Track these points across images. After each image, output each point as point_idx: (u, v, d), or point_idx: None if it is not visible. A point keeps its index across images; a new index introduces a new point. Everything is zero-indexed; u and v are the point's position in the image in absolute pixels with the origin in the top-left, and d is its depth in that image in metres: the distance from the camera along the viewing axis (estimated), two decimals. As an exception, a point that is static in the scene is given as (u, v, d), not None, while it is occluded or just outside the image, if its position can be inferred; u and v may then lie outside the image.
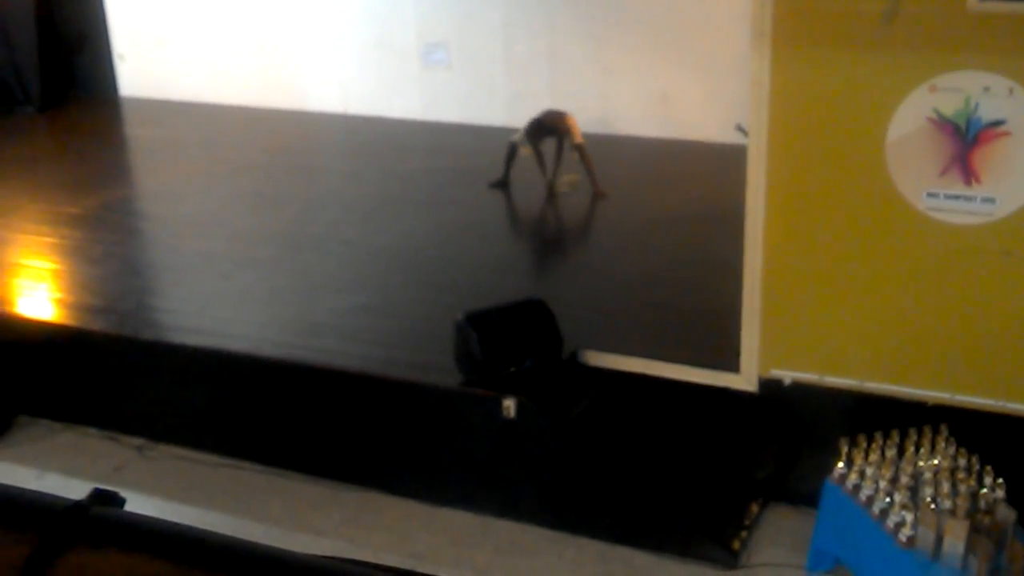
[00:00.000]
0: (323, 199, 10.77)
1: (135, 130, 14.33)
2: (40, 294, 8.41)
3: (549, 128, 10.22)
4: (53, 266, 9.05)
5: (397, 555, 6.23)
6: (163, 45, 14.65)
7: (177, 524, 1.17)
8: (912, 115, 5.61)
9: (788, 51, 5.78)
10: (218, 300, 8.21)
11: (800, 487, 6.32)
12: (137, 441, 7.48)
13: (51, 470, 7.15)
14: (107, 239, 9.58)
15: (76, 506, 1.16)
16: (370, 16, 13.40)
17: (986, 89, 5.45)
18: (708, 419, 6.64)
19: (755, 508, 6.45)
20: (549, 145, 10.23)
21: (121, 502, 1.20)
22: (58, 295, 8.43)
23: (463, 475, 6.71)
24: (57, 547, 1.11)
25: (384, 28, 13.30)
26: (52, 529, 1.12)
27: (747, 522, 6.35)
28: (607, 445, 6.47)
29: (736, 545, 6.17)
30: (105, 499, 1.19)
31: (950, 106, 5.54)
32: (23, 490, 1.22)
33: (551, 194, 10.21)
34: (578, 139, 10.07)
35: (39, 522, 1.14)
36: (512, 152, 10.31)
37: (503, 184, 10.47)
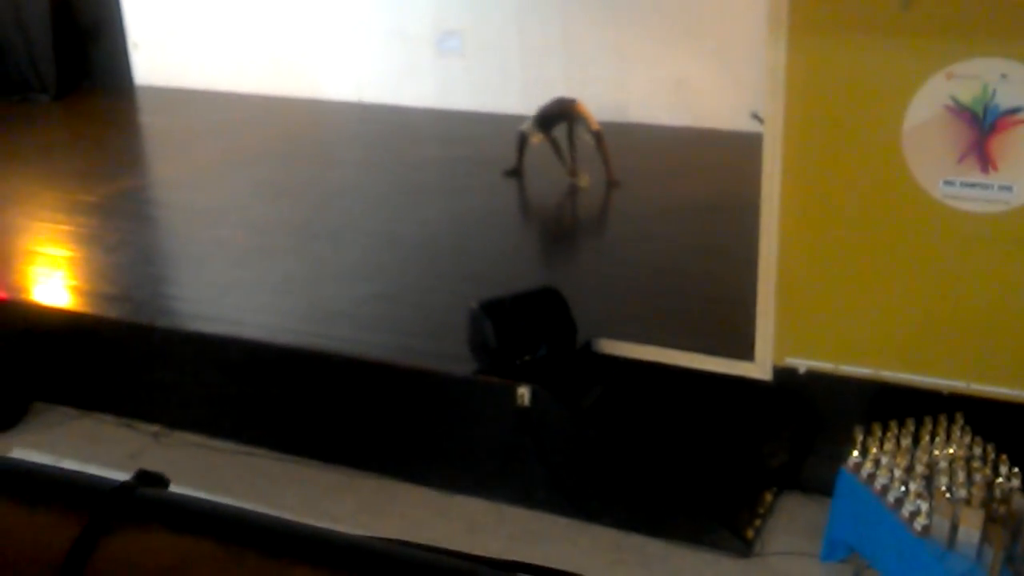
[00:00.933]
0: (337, 187, 10.78)
1: (150, 118, 14.37)
2: (56, 282, 8.44)
3: (559, 115, 10.21)
4: (69, 254, 9.08)
5: (413, 540, 6.24)
6: (177, 34, 14.67)
7: (224, 504, 1.17)
8: (929, 102, 5.58)
9: (804, 38, 5.76)
10: (233, 288, 8.23)
11: (814, 476, 6.31)
12: (153, 428, 7.51)
13: (67, 457, 7.18)
14: (122, 227, 9.61)
15: (122, 486, 1.17)
16: (384, 4, 13.40)
17: (1004, 76, 5.42)
18: (722, 407, 6.63)
19: (769, 497, 6.45)
20: (560, 132, 10.21)
21: (166, 483, 1.21)
22: (74, 283, 8.46)
23: (477, 463, 6.72)
24: (104, 527, 1.12)
25: (398, 16, 13.30)
26: (99, 509, 1.13)
27: (761, 510, 6.35)
28: (621, 433, 6.47)
29: (750, 533, 6.17)
30: (150, 479, 1.20)
31: (967, 93, 5.51)
32: (68, 471, 1.23)
33: (571, 182, 10.19)
34: (595, 126, 10.06)
35: (86, 502, 1.15)
36: (522, 141, 10.30)
37: (516, 173, 10.46)
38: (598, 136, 10.07)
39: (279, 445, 7.18)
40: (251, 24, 14.20)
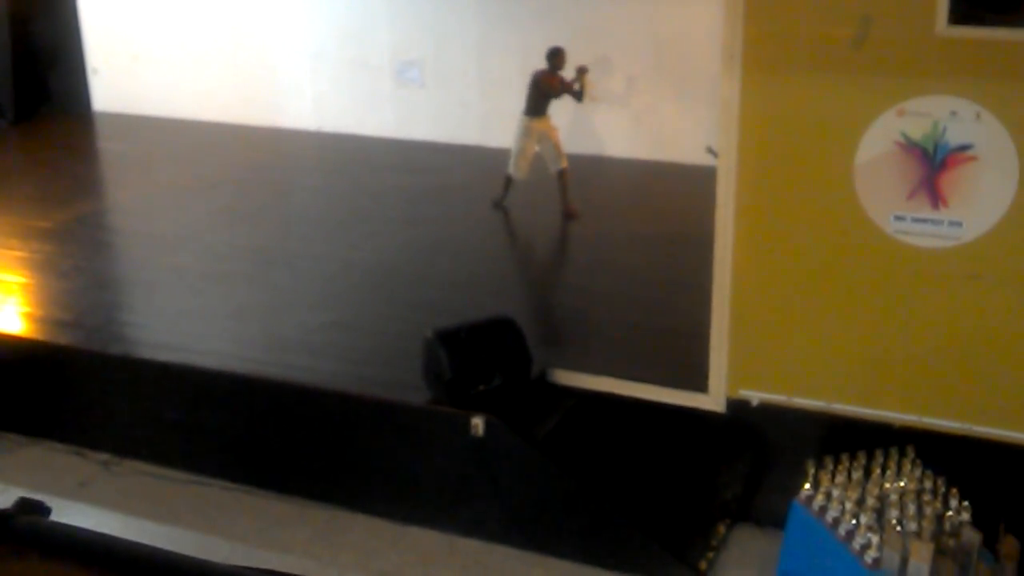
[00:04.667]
0: (295, 215, 10.76)
1: (108, 144, 14.28)
2: (8, 308, 8.35)
3: (547, 92, 10.32)
4: (22, 280, 8.99)
5: (364, 574, 6.20)
6: (137, 60, 14.62)
7: (102, 534, 1.16)
8: (880, 139, 5.65)
9: (758, 74, 5.82)
10: (188, 315, 8.17)
11: (767, 508, 6.33)
12: (103, 456, 7.42)
13: (15, 484, 7.07)
14: (77, 253, 9.53)
15: (1, 514, 1.15)
16: (345, 34, 13.42)
17: (953, 113, 5.50)
18: (676, 439, 6.64)
19: (722, 529, 6.46)
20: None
21: (47, 511, 1.20)
22: (26, 309, 8.37)
23: (431, 494, 6.69)
24: None
25: (359, 46, 13.32)
26: None
27: (714, 543, 6.36)
28: (575, 464, 6.46)
29: (703, 566, 6.17)
30: (30, 508, 1.19)
31: (918, 130, 5.58)
32: None
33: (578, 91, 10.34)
34: (563, 163, 10.20)
35: None
36: (508, 182, 10.38)
37: (501, 205, 10.49)
38: (563, 173, 10.18)
39: (231, 475, 7.12)
40: (212, 52, 14.17)
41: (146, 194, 11.47)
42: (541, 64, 10.28)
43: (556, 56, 10.27)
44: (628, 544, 6.25)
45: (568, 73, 10.31)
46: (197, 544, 6.43)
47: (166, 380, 7.28)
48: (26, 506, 1.18)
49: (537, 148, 10.29)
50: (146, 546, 1.13)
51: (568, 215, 10.18)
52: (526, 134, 10.26)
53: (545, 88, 10.22)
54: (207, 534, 6.60)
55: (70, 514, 6.16)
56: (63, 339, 7.73)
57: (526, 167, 10.32)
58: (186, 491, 7.06)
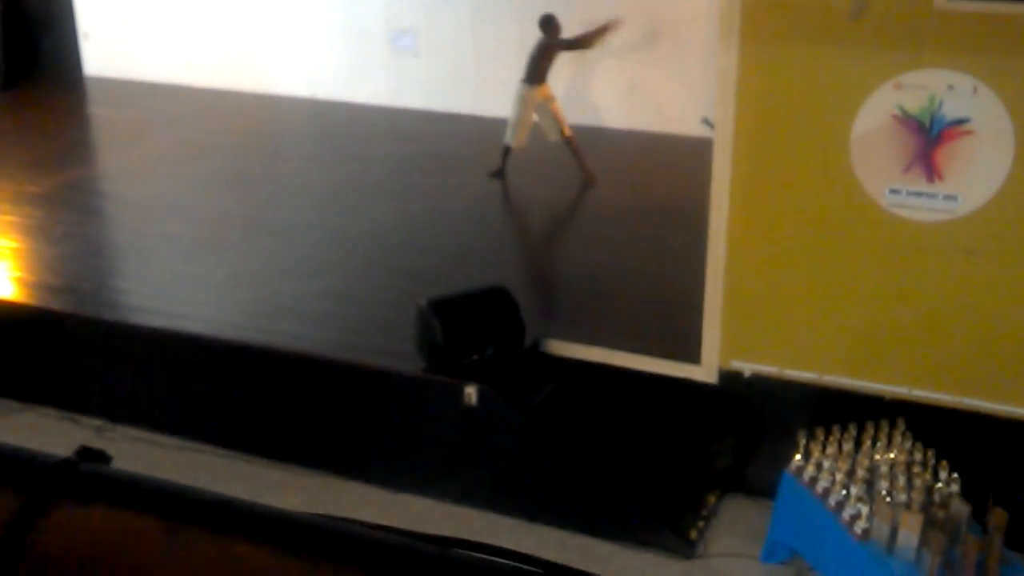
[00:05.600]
0: (288, 183, 10.72)
1: (99, 110, 14.20)
2: (0, 273, 8.32)
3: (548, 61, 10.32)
4: (13, 245, 8.96)
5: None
6: (129, 25, 14.52)
7: (167, 481, 1.17)
8: (877, 112, 5.66)
9: (755, 46, 5.81)
10: (180, 282, 8.16)
11: (758, 478, 6.37)
12: (96, 422, 7.43)
13: (8, 450, 7.07)
14: (69, 219, 9.49)
15: (64, 461, 1.16)
16: (339, 0, 13.34)
17: (950, 87, 5.50)
18: (668, 409, 6.67)
19: (712, 499, 6.50)
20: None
21: (108, 459, 1.20)
22: (18, 274, 8.35)
23: (423, 461, 6.71)
24: (45, 501, 1.11)
25: (353, 13, 13.24)
26: (40, 483, 1.12)
27: (705, 512, 6.39)
28: (567, 434, 6.49)
29: (693, 535, 6.21)
30: (93, 455, 1.19)
31: (915, 103, 5.58)
32: (9, 445, 1.22)
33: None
34: (566, 131, 10.24)
35: (28, 476, 1.13)
36: (507, 151, 10.36)
37: (500, 174, 10.48)
38: (570, 140, 10.23)
39: (224, 441, 7.13)
40: (204, 17, 14.07)
41: (137, 160, 11.41)
42: (537, 33, 10.25)
43: (550, 25, 10.24)
44: (619, 513, 6.28)
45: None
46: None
47: (158, 346, 7.28)
48: (88, 453, 1.19)
49: (535, 117, 10.27)
50: (213, 493, 1.14)
51: (588, 181, 10.23)
52: (524, 103, 10.23)
53: (544, 58, 10.22)
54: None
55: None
56: (55, 305, 7.71)
57: (523, 136, 10.30)
58: (179, 457, 7.08)
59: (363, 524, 1.17)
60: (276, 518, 1.12)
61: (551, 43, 10.22)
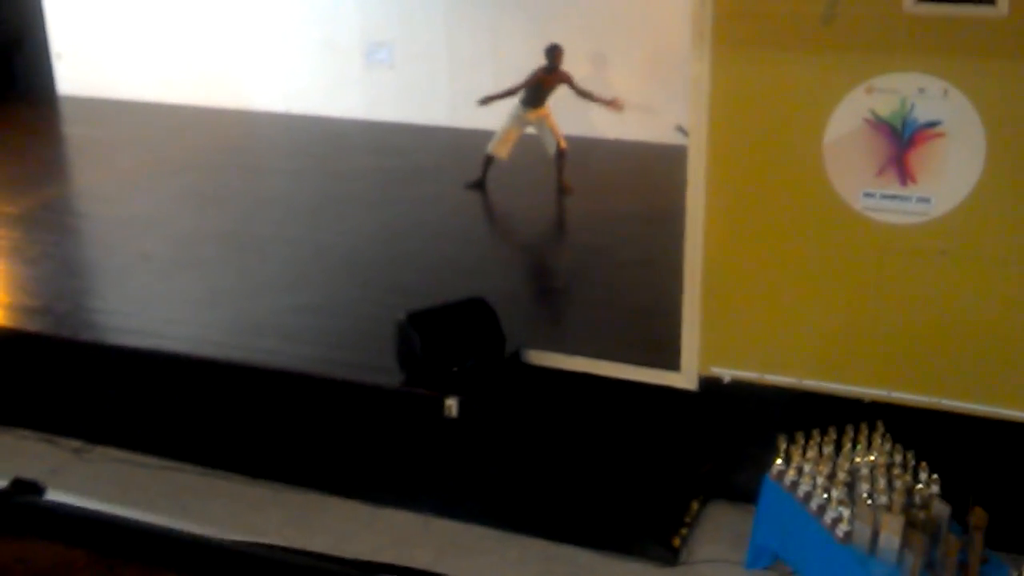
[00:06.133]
0: (265, 199, 10.70)
1: (73, 129, 14.15)
2: (-25, 295, 8.28)
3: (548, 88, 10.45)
4: (-12, 266, 8.92)
5: (340, 555, 6.19)
6: (101, 44, 14.48)
7: (98, 512, 1.17)
8: (849, 116, 5.69)
9: (727, 53, 5.83)
10: (157, 301, 8.12)
11: (740, 484, 6.37)
12: (74, 443, 7.38)
13: (-14, 473, 7.02)
14: (44, 239, 9.45)
15: None
16: (313, 15, 13.34)
17: (921, 90, 5.53)
18: (649, 417, 6.67)
19: (695, 505, 6.49)
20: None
21: (42, 491, 1.20)
22: (-6, 296, 8.31)
23: (405, 475, 6.69)
24: None
25: (327, 27, 13.25)
26: None
27: (687, 519, 6.39)
28: (549, 444, 6.48)
29: (677, 542, 6.21)
30: (26, 488, 1.19)
31: (886, 107, 5.61)
32: None
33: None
34: (562, 144, 10.42)
35: None
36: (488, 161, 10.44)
37: (480, 185, 10.55)
38: (563, 154, 10.40)
39: (204, 460, 7.10)
40: (177, 34, 14.05)
41: (113, 178, 11.37)
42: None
43: (554, 54, 10.35)
44: (602, 522, 6.28)
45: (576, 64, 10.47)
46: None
47: (137, 366, 7.25)
48: (21, 486, 1.19)
49: (532, 131, 10.47)
50: (141, 522, 1.14)
51: (563, 190, 10.37)
52: (516, 120, 10.39)
53: (542, 86, 10.33)
54: (180, 519, 6.57)
55: (42, 501, 6.11)
56: (32, 326, 7.67)
57: (506, 150, 10.40)
58: (158, 476, 7.04)
59: (292, 552, 1.17)
60: (204, 548, 1.13)
61: (557, 73, 10.36)
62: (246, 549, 1.15)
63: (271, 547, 1.36)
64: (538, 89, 10.38)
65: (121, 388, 7.35)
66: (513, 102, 10.42)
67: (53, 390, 7.58)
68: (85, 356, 7.40)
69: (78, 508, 1.17)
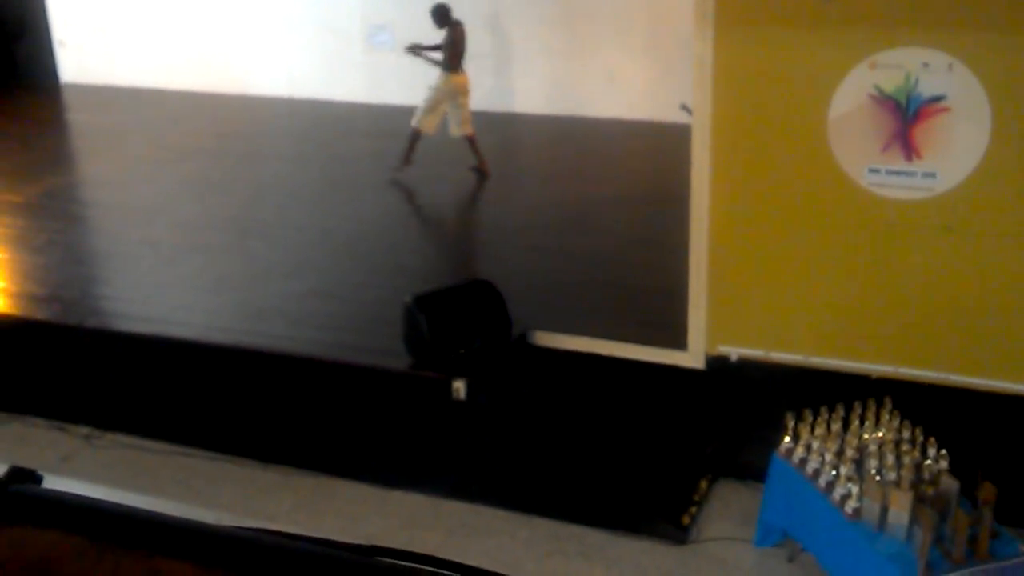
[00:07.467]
0: (269, 184, 10.70)
1: (77, 116, 14.15)
2: (-18, 284, 8.30)
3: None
4: (-5, 255, 8.93)
5: (349, 539, 6.21)
6: (104, 31, 14.46)
7: (95, 500, 1.17)
8: (853, 92, 5.67)
9: (730, 30, 5.81)
10: (164, 287, 8.13)
11: (748, 462, 6.37)
12: (84, 430, 7.40)
13: (-3, 461, 7.04)
14: (50, 227, 9.47)
15: None
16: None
17: (925, 65, 5.51)
18: (657, 397, 6.68)
19: (704, 484, 6.50)
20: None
21: (39, 479, 1.20)
22: (1, 284, 8.31)
23: (414, 457, 6.71)
24: None
25: (329, 11, 13.22)
26: None
27: (697, 498, 6.40)
28: (557, 425, 6.50)
29: (686, 521, 6.22)
30: (22, 476, 1.19)
31: (890, 82, 5.59)
32: None
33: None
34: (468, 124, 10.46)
35: None
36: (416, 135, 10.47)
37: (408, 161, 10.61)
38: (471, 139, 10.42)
39: (214, 445, 7.12)
40: (180, 20, 14.03)
41: (117, 166, 11.38)
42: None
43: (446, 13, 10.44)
44: (611, 501, 6.29)
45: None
46: (181, 515, 6.42)
47: (145, 352, 7.26)
48: (18, 474, 1.19)
49: (445, 107, 10.41)
50: (140, 510, 1.14)
51: (482, 172, 10.40)
52: (444, 91, 10.39)
53: (461, 42, 10.35)
54: (191, 505, 6.59)
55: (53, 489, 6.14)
56: (40, 314, 7.68)
57: (435, 123, 10.39)
58: (169, 462, 7.06)
59: (289, 536, 1.18)
60: (199, 534, 1.13)
61: (458, 28, 10.39)
62: (240, 534, 1.15)
63: (267, 531, 1.37)
64: (455, 49, 10.40)
65: (129, 374, 7.37)
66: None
67: (62, 377, 7.60)
68: (93, 343, 7.42)
69: (73, 496, 1.17)
